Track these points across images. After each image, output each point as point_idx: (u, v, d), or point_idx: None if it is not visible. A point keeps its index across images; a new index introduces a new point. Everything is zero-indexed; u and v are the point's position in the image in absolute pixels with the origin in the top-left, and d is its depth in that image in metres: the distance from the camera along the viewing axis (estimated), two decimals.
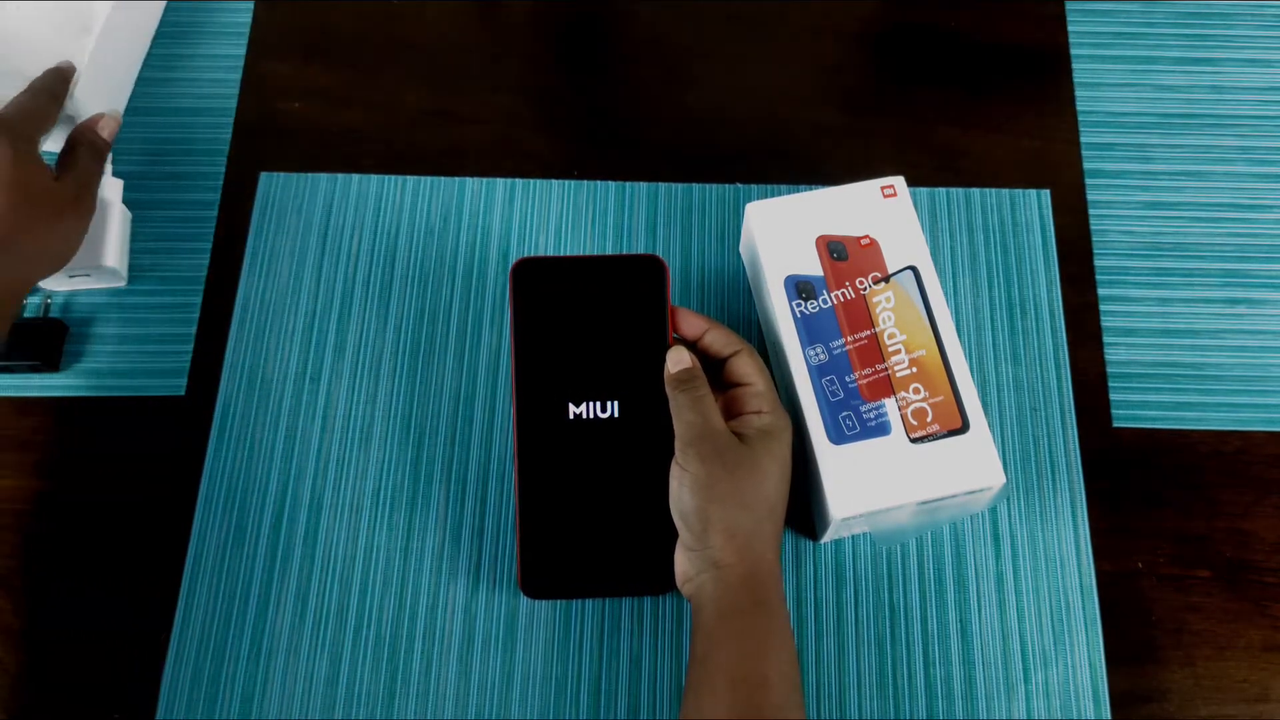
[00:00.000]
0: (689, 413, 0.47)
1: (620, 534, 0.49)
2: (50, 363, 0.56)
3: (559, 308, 0.50)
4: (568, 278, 0.50)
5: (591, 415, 0.49)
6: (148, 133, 0.63)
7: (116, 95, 0.61)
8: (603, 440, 0.49)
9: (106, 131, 0.56)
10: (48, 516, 0.54)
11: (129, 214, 0.60)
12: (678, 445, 0.47)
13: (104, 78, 0.59)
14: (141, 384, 0.57)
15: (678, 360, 0.49)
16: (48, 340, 0.56)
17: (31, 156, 0.50)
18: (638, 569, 0.49)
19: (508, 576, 0.53)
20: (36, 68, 0.55)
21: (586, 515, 0.49)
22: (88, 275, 0.58)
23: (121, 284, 0.59)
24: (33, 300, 0.58)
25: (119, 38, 0.62)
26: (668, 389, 0.49)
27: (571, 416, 0.49)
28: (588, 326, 0.50)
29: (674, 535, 0.48)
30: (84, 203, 0.53)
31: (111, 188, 0.59)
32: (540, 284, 0.50)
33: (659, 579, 0.49)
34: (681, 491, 0.46)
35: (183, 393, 0.57)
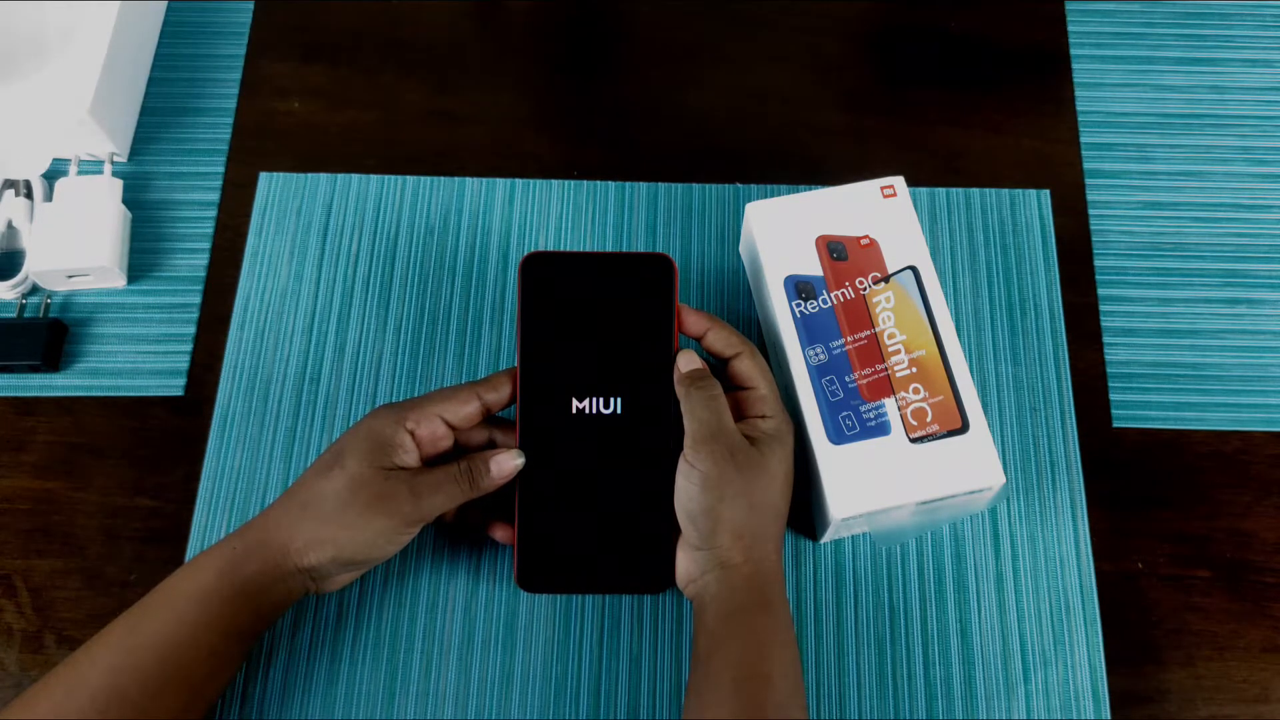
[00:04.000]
0: (703, 411, 0.47)
1: (619, 531, 0.49)
2: (50, 363, 0.56)
3: (566, 303, 0.50)
4: (576, 273, 0.50)
5: (595, 410, 0.49)
6: (148, 132, 0.63)
7: (131, 96, 0.61)
8: (605, 436, 0.49)
9: (495, 471, 0.48)
10: (48, 516, 0.54)
11: (129, 214, 0.60)
12: (688, 443, 0.47)
13: (120, 78, 0.59)
14: (141, 384, 0.57)
15: (689, 361, 0.49)
16: (48, 340, 0.56)
17: (385, 443, 0.47)
18: (635, 566, 0.49)
19: (507, 576, 0.53)
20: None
21: (586, 511, 0.49)
22: (87, 275, 0.58)
23: (121, 284, 0.59)
24: (33, 300, 0.58)
25: (130, 39, 0.62)
26: (679, 387, 0.49)
27: (575, 411, 0.49)
28: (594, 322, 0.50)
29: (672, 534, 0.48)
30: (401, 509, 0.46)
31: (111, 188, 0.59)
32: (548, 278, 0.50)
33: (656, 577, 0.49)
34: (691, 489, 0.46)
35: (182, 393, 0.57)
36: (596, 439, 0.49)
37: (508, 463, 0.48)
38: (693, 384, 0.48)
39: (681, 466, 0.47)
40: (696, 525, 0.46)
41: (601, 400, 0.49)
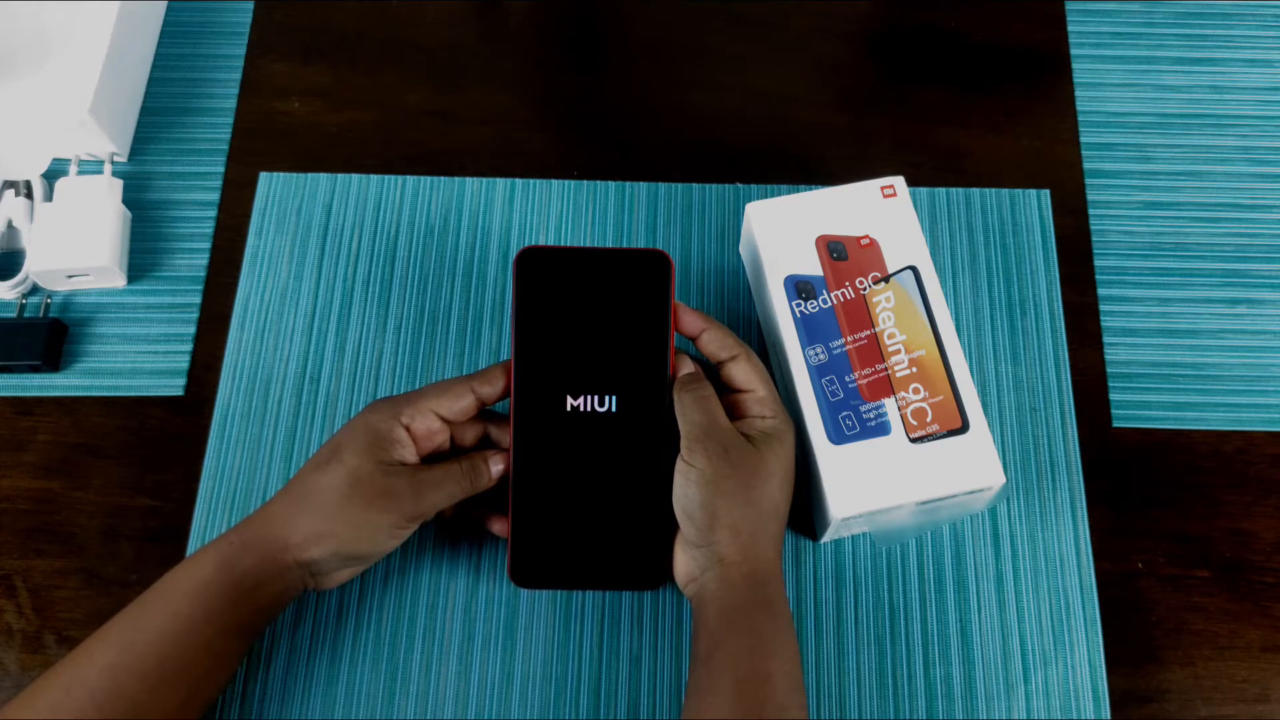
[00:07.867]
0: (694, 412, 0.47)
1: (612, 527, 0.49)
2: (50, 363, 0.56)
3: (561, 299, 0.50)
4: (571, 269, 0.50)
5: (589, 408, 0.49)
6: (148, 132, 0.63)
7: (131, 96, 0.61)
8: (599, 434, 0.49)
9: (495, 470, 0.49)
10: (48, 516, 0.54)
11: (129, 214, 0.60)
12: (684, 443, 0.47)
13: (120, 78, 0.59)
14: (141, 384, 0.57)
15: (683, 366, 0.50)
16: (48, 340, 0.56)
17: (384, 438, 0.47)
18: (628, 563, 0.49)
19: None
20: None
21: (579, 507, 0.49)
22: (87, 275, 0.58)
23: (121, 284, 0.59)
24: (33, 300, 0.58)
25: (130, 39, 0.62)
26: (674, 391, 0.49)
27: (569, 408, 0.49)
28: (589, 319, 0.50)
29: (666, 530, 0.48)
30: (402, 505, 0.46)
31: (111, 188, 0.59)
32: (543, 274, 0.50)
33: (650, 574, 0.49)
34: (688, 487, 0.46)
35: (182, 393, 0.57)
36: (590, 437, 0.49)
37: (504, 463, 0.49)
38: (683, 387, 0.49)
39: (679, 466, 0.47)
40: (694, 521, 0.46)
41: (596, 399, 0.49)
